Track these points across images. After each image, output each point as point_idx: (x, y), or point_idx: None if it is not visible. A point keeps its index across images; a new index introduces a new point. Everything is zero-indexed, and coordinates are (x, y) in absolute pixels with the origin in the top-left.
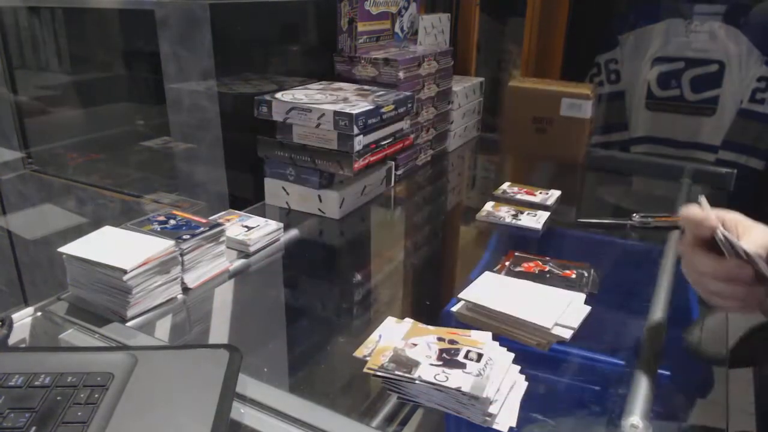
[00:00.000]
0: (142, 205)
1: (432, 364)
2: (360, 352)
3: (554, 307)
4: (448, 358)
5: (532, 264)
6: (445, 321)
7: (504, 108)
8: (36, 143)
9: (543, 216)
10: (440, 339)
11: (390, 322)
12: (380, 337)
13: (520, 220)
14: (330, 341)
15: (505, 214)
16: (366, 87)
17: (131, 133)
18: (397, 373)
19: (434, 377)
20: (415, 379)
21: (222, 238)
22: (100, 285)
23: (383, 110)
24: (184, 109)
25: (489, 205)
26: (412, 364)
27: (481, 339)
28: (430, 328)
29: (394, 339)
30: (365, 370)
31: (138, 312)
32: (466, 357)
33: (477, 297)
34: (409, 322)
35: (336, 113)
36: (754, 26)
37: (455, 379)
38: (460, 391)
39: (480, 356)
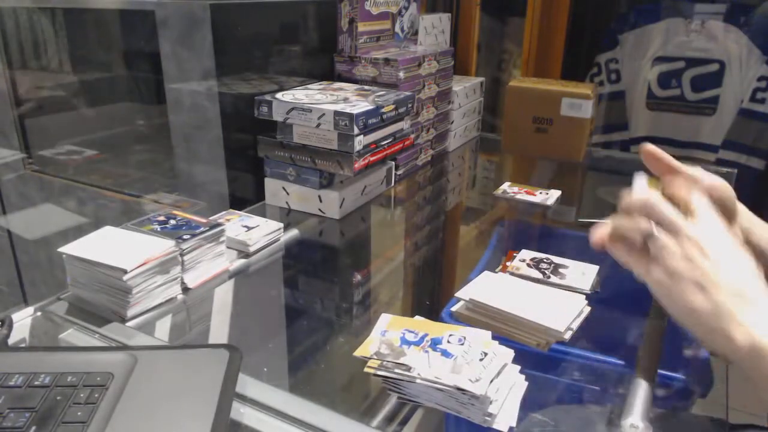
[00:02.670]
0: (143, 205)
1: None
2: (360, 352)
3: (554, 307)
4: None
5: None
6: (445, 321)
7: (504, 108)
8: (36, 143)
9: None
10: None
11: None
12: (383, 333)
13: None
14: (330, 341)
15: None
16: (366, 87)
17: (132, 133)
18: (397, 371)
19: (434, 376)
20: (415, 378)
21: (222, 238)
22: (100, 285)
23: (383, 110)
24: (184, 109)
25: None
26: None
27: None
28: (431, 322)
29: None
30: (365, 369)
31: (138, 312)
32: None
33: (475, 295)
34: (408, 318)
35: (336, 113)
36: (754, 26)
37: (455, 378)
38: (460, 389)
39: None
